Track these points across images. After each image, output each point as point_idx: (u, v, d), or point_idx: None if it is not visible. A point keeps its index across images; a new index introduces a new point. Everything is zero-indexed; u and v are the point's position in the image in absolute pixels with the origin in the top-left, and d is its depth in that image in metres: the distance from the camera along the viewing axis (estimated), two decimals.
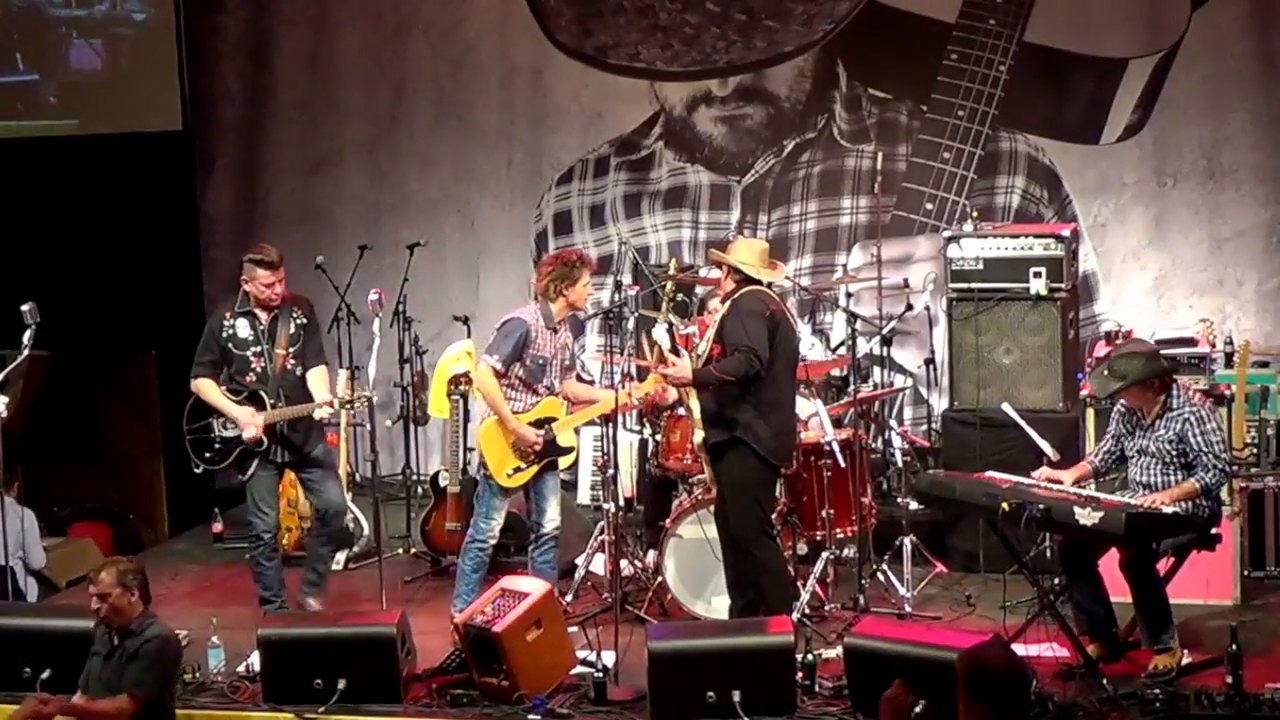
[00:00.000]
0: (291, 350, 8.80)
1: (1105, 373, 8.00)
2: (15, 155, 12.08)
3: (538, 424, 8.58)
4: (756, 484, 8.13)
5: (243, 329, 8.82)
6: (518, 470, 8.58)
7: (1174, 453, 7.88)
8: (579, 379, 9.52)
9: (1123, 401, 8.06)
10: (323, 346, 9.10)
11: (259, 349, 8.78)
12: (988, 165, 11.22)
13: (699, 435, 8.19)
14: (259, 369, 8.78)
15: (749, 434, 8.01)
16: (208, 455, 8.88)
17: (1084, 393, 9.36)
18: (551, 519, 8.69)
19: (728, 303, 8.15)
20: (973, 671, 5.56)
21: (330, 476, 9.06)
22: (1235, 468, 9.10)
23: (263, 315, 8.81)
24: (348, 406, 9.03)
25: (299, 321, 8.85)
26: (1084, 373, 9.53)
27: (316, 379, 8.87)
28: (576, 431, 10.08)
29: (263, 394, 8.73)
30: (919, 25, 11.22)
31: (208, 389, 8.80)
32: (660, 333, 8.32)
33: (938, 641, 7.22)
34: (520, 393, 8.60)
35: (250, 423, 8.67)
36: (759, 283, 8.16)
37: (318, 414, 8.75)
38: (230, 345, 8.81)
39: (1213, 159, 10.92)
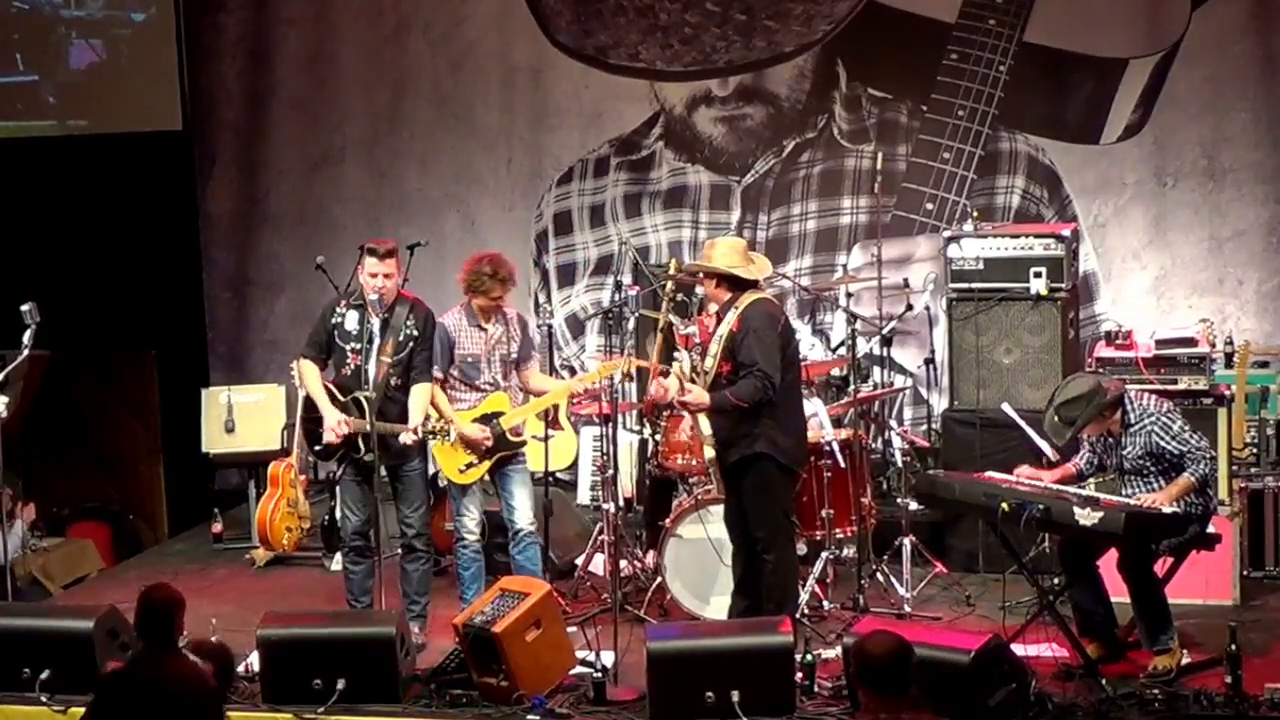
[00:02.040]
0: (395, 359, 8.33)
1: (1056, 419, 7.98)
2: (15, 155, 12.10)
3: (484, 419, 8.55)
4: (780, 487, 8.11)
5: (351, 321, 8.43)
6: (470, 466, 8.55)
7: (1150, 465, 7.90)
8: (553, 373, 9.42)
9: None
10: (432, 362, 8.52)
11: (358, 346, 8.39)
12: (988, 165, 11.21)
13: (710, 452, 8.14)
14: (353, 366, 8.40)
15: (772, 447, 7.97)
16: (318, 449, 8.59)
17: None
18: (524, 514, 8.60)
19: (734, 314, 8.02)
20: (855, 659, 5.99)
21: (416, 494, 8.60)
22: (1235, 467, 9.12)
23: (375, 313, 8.38)
24: (432, 437, 8.43)
25: (410, 332, 8.36)
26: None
27: (416, 396, 8.39)
28: (576, 431, 10.06)
29: (363, 400, 8.27)
30: (919, 25, 11.21)
31: (308, 373, 8.46)
32: (684, 361, 8.24)
33: (937, 642, 7.22)
34: (462, 392, 8.58)
35: (331, 428, 8.32)
36: (753, 283, 8.14)
37: (402, 438, 8.29)
38: (335, 335, 8.45)
39: (1213, 159, 10.91)
